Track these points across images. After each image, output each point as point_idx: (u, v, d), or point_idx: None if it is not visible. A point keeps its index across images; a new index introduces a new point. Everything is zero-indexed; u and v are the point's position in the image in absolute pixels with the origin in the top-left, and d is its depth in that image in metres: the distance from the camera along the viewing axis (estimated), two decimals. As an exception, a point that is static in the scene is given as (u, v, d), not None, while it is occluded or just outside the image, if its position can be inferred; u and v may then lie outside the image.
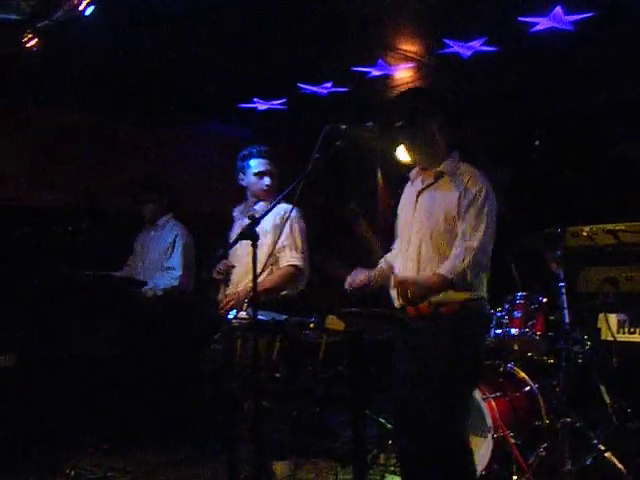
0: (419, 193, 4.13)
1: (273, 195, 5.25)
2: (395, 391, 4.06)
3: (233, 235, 5.38)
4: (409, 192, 4.28)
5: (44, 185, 7.18)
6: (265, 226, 4.99)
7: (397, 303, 4.09)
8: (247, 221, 5.10)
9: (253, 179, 5.32)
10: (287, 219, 5.02)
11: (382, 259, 4.41)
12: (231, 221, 5.49)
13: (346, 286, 4.21)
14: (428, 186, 4.11)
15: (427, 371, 3.90)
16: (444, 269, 3.84)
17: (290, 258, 5.15)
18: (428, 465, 3.97)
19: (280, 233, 5.00)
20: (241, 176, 5.38)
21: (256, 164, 5.32)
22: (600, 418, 5.71)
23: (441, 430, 3.90)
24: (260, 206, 5.27)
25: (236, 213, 5.46)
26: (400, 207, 4.35)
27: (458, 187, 3.97)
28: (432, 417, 3.89)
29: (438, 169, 4.08)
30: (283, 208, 5.08)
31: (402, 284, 3.80)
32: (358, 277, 4.22)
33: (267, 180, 5.31)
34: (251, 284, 4.82)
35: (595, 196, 5.80)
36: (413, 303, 3.82)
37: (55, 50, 5.44)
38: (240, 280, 5.17)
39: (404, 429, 4.04)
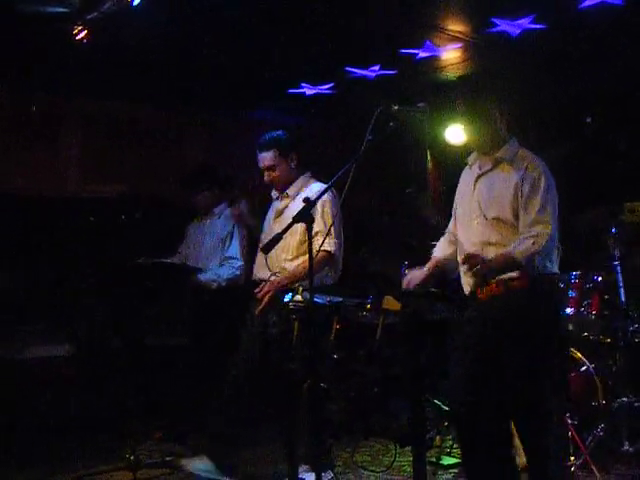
0: (477, 179, 4.12)
1: (292, 179, 5.26)
2: (459, 370, 4.02)
3: (268, 218, 5.43)
4: (467, 177, 4.27)
5: (101, 177, 7.27)
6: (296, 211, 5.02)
7: (467, 289, 4.09)
8: (281, 203, 5.26)
9: (264, 173, 5.30)
10: (318, 201, 5.02)
11: (436, 249, 4.42)
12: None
13: (404, 287, 4.22)
14: (486, 172, 4.10)
15: (505, 348, 3.87)
16: (514, 250, 3.82)
17: (322, 244, 5.06)
18: (490, 447, 3.95)
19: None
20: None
21: (260, 159, 5.27)
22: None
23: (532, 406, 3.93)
24: (292, 189, 5.25)
25: (273, 194, 5.43)
26: (458, 192, 4.35)
27: (517, 173, 3.95)
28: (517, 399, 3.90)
29: (497, 154, 4.07)
30: (315, 190, 5.04)
31: (472, 258, 3.79)
32: (415, 276, 4.23)
33: (266, 176, 5.25)
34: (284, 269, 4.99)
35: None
36: (481, 277, 3.81)
37: (106, 41, 5.49)
38: (276, 264, 5.16)
39: (468, 410, 4.00)
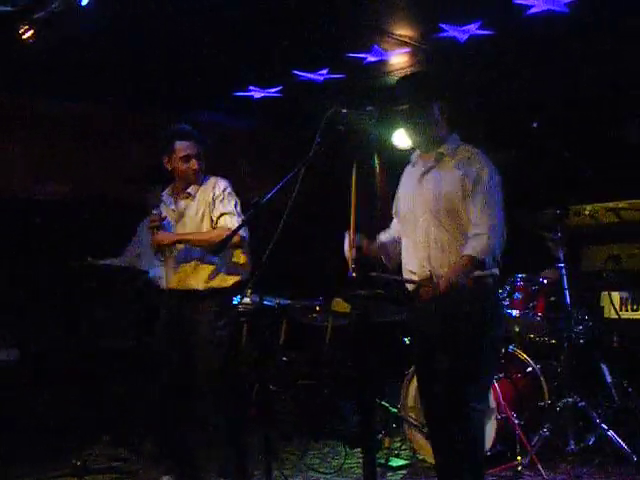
0: (422, 175, 4.14)
1: (202, 175, 5.18)
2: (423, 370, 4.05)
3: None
4: (410, 175, 4.28)
5: (48, 177, 7.18)
6: (200, 205, 5.03)
7: (410, 286, 4.10)
8: (181, 204, 5.13)
9: (180, 163, 5.12)
10: (218, 189, 5.02)
11: (381, 233, 4.41)
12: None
13: (345, 252, 4.17)
14: (430, 168, 4.12)
15: (448, 348, 3.91)
16: (472, 250, 3.85)
17: (230, 224, 4.92)
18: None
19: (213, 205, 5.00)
20: (166, 159, 5.19)
21: (181, 147, 5.12)
22: (602, 397, 5.77)
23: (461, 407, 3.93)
24: (192, 189, 5.15)
25: (165, 197, 5.29)
26: (400, 192, 4.35)
27: (460, 167, 3.98)
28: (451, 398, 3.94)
29: (439, 150, 4.10)
30: (212, 182, 5.09)
31: (450, 287, 3.82)
32: (359, 242, 4.19)
33: (194, 163, 5.12)
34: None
35: (595, 176, 5.83)
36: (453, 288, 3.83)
37: (53, 40, 5.43)
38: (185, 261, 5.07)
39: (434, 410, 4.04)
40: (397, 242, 4.28)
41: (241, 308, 4.33)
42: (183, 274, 4.99)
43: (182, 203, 5.16)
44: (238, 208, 5.02)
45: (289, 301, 4.22)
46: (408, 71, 6.63)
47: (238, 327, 4.38)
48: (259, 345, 3.90)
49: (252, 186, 5.38)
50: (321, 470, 5.41)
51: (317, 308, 4.07)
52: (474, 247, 3.83)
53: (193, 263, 4.95)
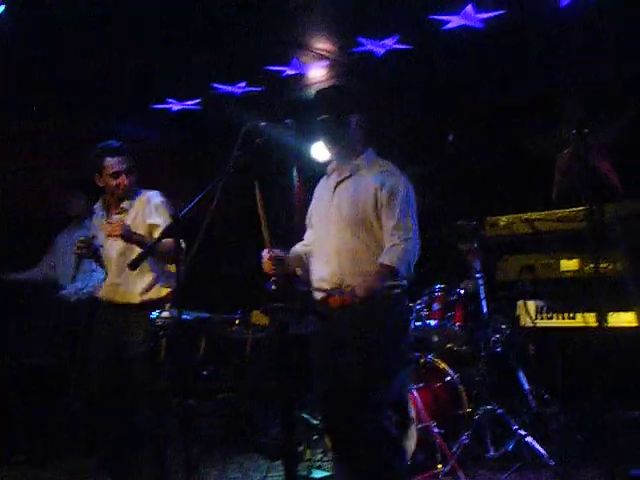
0: (336, 186, 4.18)
1: (135, 189, 5.16)
2: (322, 380, 4.06)
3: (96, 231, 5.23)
4: (325, 185, 4.32)
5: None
6: (135, 220, 4.99)
7: (319, 295, 4.12)
8: (115, 218, 5.02)
9: (110, 179, 5.07)
10: (153, 203, 5.02)
11: (295, 246, 4.43)
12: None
13: (263, 265, 4.18)
14: (345, 179, 4.17)
15: (353, 357, 3.93)
16: (388, 260, 3.89)
17: None
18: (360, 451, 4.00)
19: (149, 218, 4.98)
20: (97, 176, 5.13)
21: (110, 164, 5.07)
22: (520, 404, 5.87)
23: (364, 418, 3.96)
24: (126, 203, 5.11)
25: (97, 210, 5.26)
26: (315, 200, 4.39)
27: (375, 179, 4.04)
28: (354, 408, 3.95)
29: (355, 162, 4.15)
30: (146, 196, 5.09)
31: (367, 295, 3.83)
32: (277, 254, 4.19)
33: (124, 179, 5.07)
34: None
35: (510, 187, 5.96)
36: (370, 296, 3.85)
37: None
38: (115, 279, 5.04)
39: (334, 420, 4.05)
40: (311, 253, 4.31)
41: (159, 322, 4.30)
42: (121, 285, 4.96)
43: (115, 218, 5.08)
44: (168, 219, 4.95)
45: (208, 315, 4.20)
46: (326, 84, 6.68)
47: (157, 341, 4.33)
48: (178, 359, 3.86)
49: (172, 200, 5.30)
50: (243, 484, 5.41)
51: (236, 321, 4.05)
52: (390, 257, 3.88)
53: (134, 273, 4.87)
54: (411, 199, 4.07)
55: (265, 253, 4.13)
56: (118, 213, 5.10)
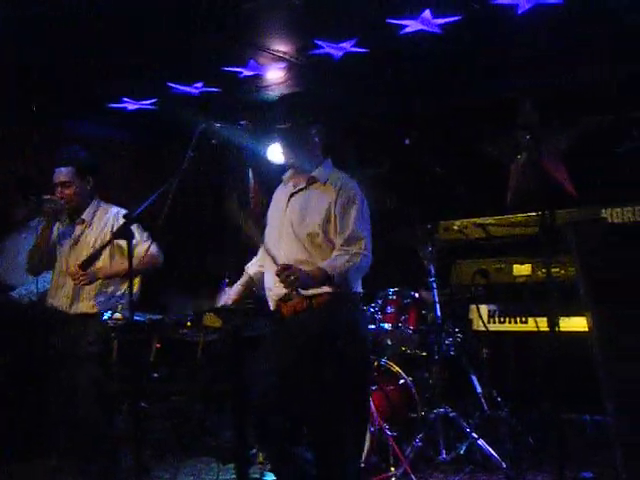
0: (290, 197, 4.16)
1: (85, 201, 5.11)
2: (261, 381, 4.02)
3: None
4: (281, 195, 4.28)
5: None
6: (98, 235, 4.99)
7: (272, 304, 4.09)
8: (76, 229, 5.05)
9: (58, 190, 5.06)
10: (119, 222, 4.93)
11: (246, 269, 4.41)
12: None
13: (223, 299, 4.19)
14: (300, 190, 4.14)
15: (306, 365, 3.91)
16: (327, 265, 3.88)
17: (153, 250, 4.90)
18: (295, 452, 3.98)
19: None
20: None
21: (56, 175, 5.07)
22: (472, 407, 5.92)
23: (327, 422, 3.94)
24: (86, 214, 5.08)
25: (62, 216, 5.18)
26: (271, 209, 4.36)
27: (330, 193, 4.01)
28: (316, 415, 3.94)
29: (311, 174, 4.13)
30: (111, 213, 5.08)
31: (286, 269, 3.80)
32: (229, 295, 4.21)
33: (63, 192, 5.02)
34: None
35: (465, 192, 6.01)
36: (293, 287, 3.81)
37: None
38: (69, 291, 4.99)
39: (268, 422, 4.01)
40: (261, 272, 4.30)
41: (111, 324, 4.26)
42: (79, 296, 4.91)
43: (77, 228, 5.06)
44: (144, 234, 4.96)
45: (160, 316, 4.17)
46: (283, 86, 6.68)
47: (108, 343, 4.29)
48: (130, 361, 3.82)
49: (127, 200, 5.25)
50: (196, 487, 5.37)
51: (188, 323, 4.02)
52: (331, 263, 3.87)
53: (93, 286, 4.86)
54: (364, 213, 4.04)
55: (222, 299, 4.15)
56: (79, 224, 5.06)
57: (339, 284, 3.87)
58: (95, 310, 4.77)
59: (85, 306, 4.86)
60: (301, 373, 3.91)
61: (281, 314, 4.03)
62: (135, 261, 4.73)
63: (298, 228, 4.02)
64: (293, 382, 3.92)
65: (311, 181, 4.11)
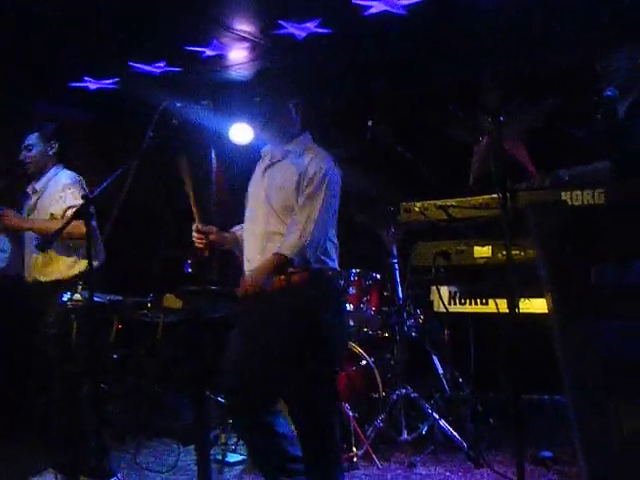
0: (266, 169, 4.17)
1: (43, 169, 5.16)
2: (233, 359, 4.04)
3: None
4: (259, 168, 4.30)
5: None
6: (49, 202, 5.01)
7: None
8: (32, 200, 5.12)
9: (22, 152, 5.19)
10: (63, 183, 5.03)
11: (236, 228, 4.39)
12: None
13: (196, 231, 4.15)
14: (274, 163, 4.15)
15: (269, 347, 3.92)
16: (283, 248, 3.89)
17: None
18: (270, 432, 4.00)
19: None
20: None
21: (25, 138, 5.20)
22: (434, 388, 5.97)
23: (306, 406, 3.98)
24: (38, 184, 5.16)
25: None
26: (250, 185, 4.36)
27: (300, 166, 4.02)
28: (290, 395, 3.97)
29: (286, 147, 4.13)
30: (58, 176, 5.10)
31: (251, 285, 3.82)
32: (211, 230, 4.20)
33: (27, 153, 5.15)
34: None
35: (429, 174, 6.01)
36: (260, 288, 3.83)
37: None
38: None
39: (240, 402, 4.03)
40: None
41: (70, 305, 4.22)
42: (35, 265, 4.96)
43: (33, 198, 5.13)
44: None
45: (120, 297, 4.14)
46: (247, 66, 6.65)
47: (68, 324, 4.26)
48: (89, 342, 3.79)
49: (89, 181, 5.21)
50: (156, 469, 5.35)
51: (148, 304, 4.00)
52: (284, 244, 3.88)
53: (46, 254, 4.85)
54: (331, 187, 4.02)
55: (194, 227, 4.12)
56: (34, 193, 5.08)
57: (300, 262, 3.88)
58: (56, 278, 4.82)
59: (45, 275, 4.92)
60: (277, 349, 3.90)
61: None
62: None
63: (273, 201, 4.03)
64: (267, 358, 3.92)
65: (287, 154, 4.12)
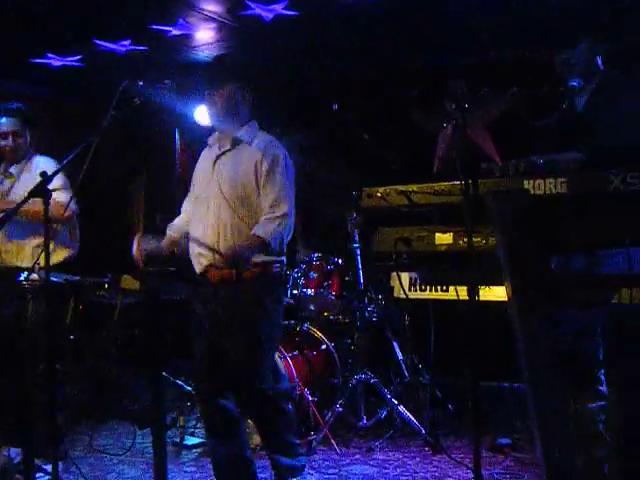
0: (216, 159, 4.14)
1: (23, 154, 5.08)
2: (200, 350, 4.06)
3: None
4: (207, 157, 4.28)
5: None
6: (26, 187, 4.89)
7: (198, 268, 4.08)
8: (5, 183, 5.01)
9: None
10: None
11: (170, 227, 4.37)
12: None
13: (134, 254, 4.13)
14: (225, 152, 4.13)
15: (232, 332, 3.94)
16: (262, 232, 3.89)
17: (60, 199, 4.78)
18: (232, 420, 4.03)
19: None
20: None
21: (1, 125, 5.05)
22: (393, 374, 5.98)
23: (250, 388, 4.06)
24: (15, 168, 5.05)
25: None
26: (196, 172, 4.34)
27: (255, 155, 4.04)
28: (239, 379, 4.01)
29: (235, 136, 4.12)
30: (37, 162, 5.02)
31: (234, 256, 3.80)
32: (147, 245, 4.16)
33: (9, 141, 5.02)
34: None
35: (393, 159, 6.02)
36: (240, 267, 3.84)
37: None
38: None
39: (207, 390, 4.06)
40: (188, 228, 4.28)
41: (27, 285, 4.17)
42: (11, 250, 4.86)
43: (6, 182, 5.03)
44: (67, 184, 4.91)
45: (77, 277, 4.09)
46: (213, 47, 6.59)
47: (23, 304, 4.20)
48: (45, 323, 3.74)
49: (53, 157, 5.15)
50: (113, 452, 5.32)
51: (106, 285, 3.96)
52: (264, 229, 3.90)
53: (25, 239, 4.81)
54: (290, 173, 4.10)
55: (134, 242, 4.09)
56: (8, 177, 5.03)
57: (274, 249, 3.90)
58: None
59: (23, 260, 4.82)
60: (230, 339, 3.97)
61: (207, 280, 4.04)
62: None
63: (227, 191, 4.03)
64: (224, 346, 3.98)
65: (236, 142, 4.11)
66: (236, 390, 4.05)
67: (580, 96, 4.25)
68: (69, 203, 4.44)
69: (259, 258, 3.93)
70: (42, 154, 5.14)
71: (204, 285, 4.03)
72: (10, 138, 5.02)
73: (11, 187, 5.03)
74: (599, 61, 4.29)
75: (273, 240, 3.91)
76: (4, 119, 5.04)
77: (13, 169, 5.07)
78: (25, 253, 4.86)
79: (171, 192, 7.26)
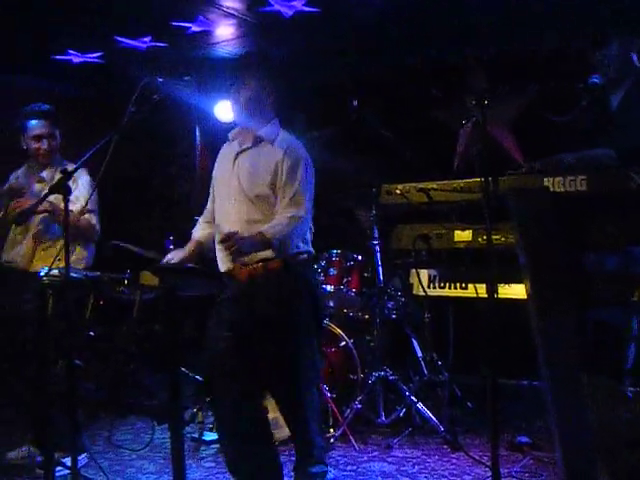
0: (237, 155, 4.12)
1: (55, 158, 5.10)
2: (220, 345, 4.03)
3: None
4: (227, 153, 4.24)
5: None
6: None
7: (224, 267, 4.06)
8: (35, 188, 5.02)
9: (31, 142, 5.07)
10: (78, 183, 4.95)
11: (195, 229, 4.36)
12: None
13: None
14: (246, 149, 4.11)
15: (272, 327, 3.92)
16: (267, 230, 3.87)
17: (93, 221, 4.95)
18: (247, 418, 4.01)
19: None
20: (21, 138, 5.11)
21: (32, 126, 5.05)
22: (413, 370, 5.97)
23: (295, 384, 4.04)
24: (47, 173, 5.08)
25: (21, 177, 5.18)
26: (217, 169, 4.31)
27: (276, 154, 4.00)
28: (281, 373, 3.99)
29: (257, 133, 4.09)
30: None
31: (229, 237, 3.78)
32: (176, 256, 4.15)
33: (44, 144, 5.06)
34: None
35: (413, 156, 6.01)
36: (236, 254, 3.81)
37: None
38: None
39: (223, 385, 4.04)
40: (210, 238, 4.24)
41: (47, 280, 4.18)
42: (34, 254, 4.93)
43: (36, 187, 5.04)
44: (91, 184, 4.97)
45: (97, 273, 4.11)
46: (232, 43, 6.60)
47: (44, 300, 4.22)
48: (65, 319, 3.76)
49: (72, 156, 5.17)
50: (132, 447, 5.34)
51: (125, 281, 3.98)
52: (272, 229, 3.87)
53: (48, 243, 4.88)
54: (310, 176, 4.05)
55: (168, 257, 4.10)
56: (38, 182, 5.06)
57: (278, 249, 3.88)
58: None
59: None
60: (260, 337, 3.93)
61: (235, 277, 4.01)
62: (81, 222, 4.74)
63: (247, 188, 4.01)
64: (251, 346, 3.94)
65: (258, 140, 4.09)
66: (279, 388, 4.05)
67: (614, 94, 4.21)
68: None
69: (263, 254, 3.90)
70: (68, 159, 5.13)
71: (230, 284, 4.01)
72: (45, 141, 5.05)
73: (42, 192, 5.02)
74: (634, 57, 4.24)
75: (276, 240, 3.86)
76: (38, 121, 5.04)
77: (45, 174, 5.09)
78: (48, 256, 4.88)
79: (190, 192, 7.26)
